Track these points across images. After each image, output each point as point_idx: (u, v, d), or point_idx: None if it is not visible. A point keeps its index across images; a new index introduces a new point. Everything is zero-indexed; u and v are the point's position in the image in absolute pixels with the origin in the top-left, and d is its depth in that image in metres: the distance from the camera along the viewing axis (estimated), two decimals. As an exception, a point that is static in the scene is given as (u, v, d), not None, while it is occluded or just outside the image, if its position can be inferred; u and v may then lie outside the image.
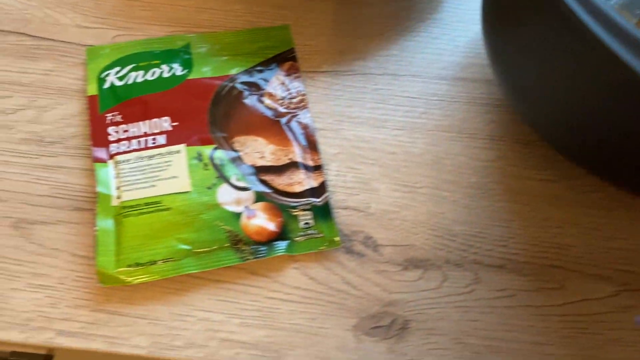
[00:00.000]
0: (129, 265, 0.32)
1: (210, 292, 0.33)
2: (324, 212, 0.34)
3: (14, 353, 0.34)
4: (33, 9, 0.42)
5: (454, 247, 0.34)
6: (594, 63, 0.27)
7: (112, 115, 0.36)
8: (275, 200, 0.34)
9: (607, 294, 0.34)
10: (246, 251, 0.33)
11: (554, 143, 0.35)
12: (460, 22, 0.42)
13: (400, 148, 0.38)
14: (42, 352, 0.33)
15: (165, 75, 0.38)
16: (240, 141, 0.36)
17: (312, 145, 0.37)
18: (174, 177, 0.34)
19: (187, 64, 0.38)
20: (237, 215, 0.34)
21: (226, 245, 0.33)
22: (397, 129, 0.38)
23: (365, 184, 0.36)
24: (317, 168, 0.36)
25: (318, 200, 0.35)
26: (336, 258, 0.34)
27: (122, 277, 0.32)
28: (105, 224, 0.33)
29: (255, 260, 0.33)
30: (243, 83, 0.38)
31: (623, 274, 0.34)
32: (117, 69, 0.38)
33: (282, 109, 0.38)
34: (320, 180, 0.35)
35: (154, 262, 0.32)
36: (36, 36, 0.41)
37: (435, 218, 0.35)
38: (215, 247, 0.33)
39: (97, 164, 0.35)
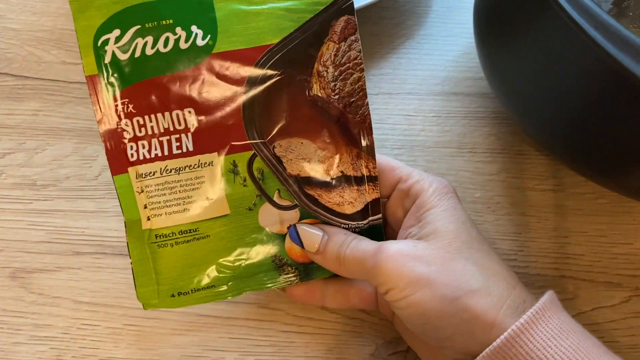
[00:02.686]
0: (172, 296, 0.30)
1: (222, 330, 0.32)
2: (377, 233, 0.30)
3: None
4: (15, 48, 0.40)
5: (465, 264, 0.34)
6: (593, 67, 0.27)
7: (122, 104, 0.29)
8: (322, 218, 0.30)
9: (619, 301, 0.34)
10: (290, 273, 0.30)
11: (553, 152, 0.35)
12: (449, 36, 0.42)
13: (402, 167, 0.37)
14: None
15: (183, 45, 0.29)
16: (283, 145, 0.30)
17: (368, 149, 0.30)
18: (208, 198, 0.30)
19: (211, 27, 0.29)
20: (281, 237, 0.30)
21: (270, 269, 0.30)
22: (397, 147, 0.38)
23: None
24: (372, 180, 0.30)
25: (375, 218, 0.30)
26: (347, 284, 0.34)
27: (166, 306, 0.30)
28: (140, 252, 0.29)
29: (299, 283, 0.30)
30: (286, 59, 0.29)
31: (633, 279, 0.34)
32: (117, 32, 0.28)
33: (334, 98, 0.30)
34: (374, 195, 0.30)
35: (196, 290, 0.30)
36: (20, 75, 0.39)
37: (443, 236, 0.35)
38: (258, 271, 0.30)
39: (117, 177, 0.29)
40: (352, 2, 0.29)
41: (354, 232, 0.30)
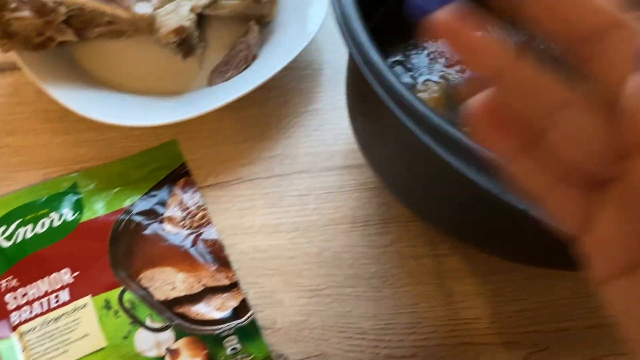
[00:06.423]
0: None
1: None
2: (250, 332, 0.34)
3: None
4: None
5: (365, 345, 0.34)
6: (414, 148, 0.27)
7: (7, 282, 0.34)
8: (197, 332, 0.33)
9: (519, 360, 0.34)
10: None
11: (426, 221, 0.36)
12: (337, 108, 0.43)
13: (298, 251, 0.37)
14: None
15: (56, 224, 0.36)
16: (147, 276, 0.35)
17: (223, 262, 0.36)
18: (85, 335, 0.33)
19: (78, 206, 0.37)
20: None
21: None
22: (292, 230, 0.38)
23: (268, 298, 0.36)
24: (234, 286, 0.35)
25: (242, 320, 0.34)
26: (251, 383, 0.33)
27: None
28: None
29: None
30: (139, 213, 0.37)
31: (529, 335, 0.35)
32: (3, 228, 0.36)
33: (185, 232, 0.36)
34: (239, 298, 0.35)
35: None
36: None
37: (342, 319, 0.35)
38: None
39: (1, 342, 0.33)
40: (188, 169, 0.39)
41: (234, 332, 0.33)
